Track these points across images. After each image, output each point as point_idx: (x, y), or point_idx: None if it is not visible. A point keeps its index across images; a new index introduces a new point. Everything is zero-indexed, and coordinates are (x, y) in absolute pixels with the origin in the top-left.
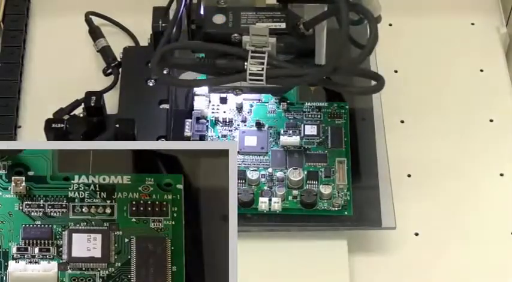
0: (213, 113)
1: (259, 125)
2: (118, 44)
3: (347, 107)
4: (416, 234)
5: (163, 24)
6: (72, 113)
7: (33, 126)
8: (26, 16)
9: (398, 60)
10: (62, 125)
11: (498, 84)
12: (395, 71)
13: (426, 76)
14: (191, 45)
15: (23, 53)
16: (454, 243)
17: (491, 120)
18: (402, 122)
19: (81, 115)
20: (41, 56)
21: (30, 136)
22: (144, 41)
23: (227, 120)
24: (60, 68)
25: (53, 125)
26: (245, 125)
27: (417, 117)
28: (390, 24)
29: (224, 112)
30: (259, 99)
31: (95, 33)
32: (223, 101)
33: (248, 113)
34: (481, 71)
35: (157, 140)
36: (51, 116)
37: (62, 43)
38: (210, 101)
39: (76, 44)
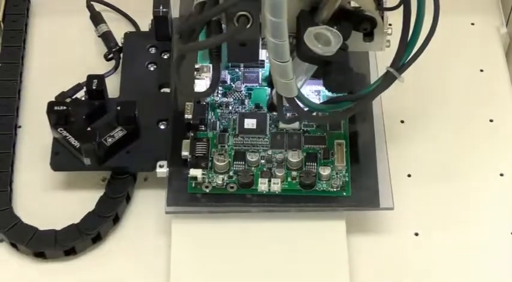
0: (212, 96)
1: (258, 108)
2: (119, 30)
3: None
4: (416, 234)
5: (164, 9)
6: (74, 97)
7: (33, 126)
8: (26, 16)
9: None
10: (65, 108)
11: (498, 84)
12: None
13: (426, 76)
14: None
15: (23, 53)
16: (454, 243)
17: (491, 120)
18: (402, 122)
19: (83, 98)
20: (41, 56)
21: (30, 136)
22: (144, 27)
23: (227, 103)
24: (60, 67)
25: (55, 108)
26: (245, 108)
27: (417, 117)
28: (390, 24)
29: (224, 95)
30: (258, 83)
31: (96, 18)
32: (223, 83)
33: (247, 96)
34: (481, 71)
35: (157, 123)
36: None
37: (62, 41)
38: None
39: (76, 40)
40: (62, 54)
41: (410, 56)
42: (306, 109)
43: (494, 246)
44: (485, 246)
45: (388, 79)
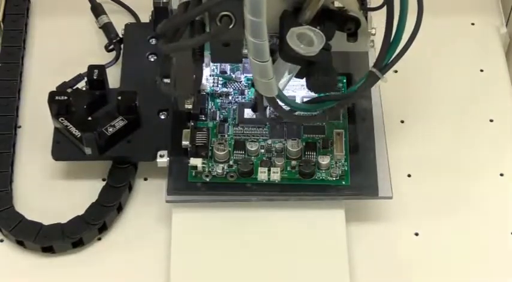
0: (212, 86)
1: None
2: (119, 21)
3: (345, 80)
4: (416, 234)
5: (164, 1)
6: (75, 87)
7: (33, 126)
8: (26, 16)
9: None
10: (66, 97)
11: (498, 84)
12: (395, 71)
13: (426, 76)
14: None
15: (23, 53)
16: (454, 243)
17: (491, 120)
18: (402, 122)
19: (84, 89)
20: (41, 56)
21: (30, 136)
22: (145, 18)
23: (226, 93)
24: (61, 66)
25: (57, 97)
26: (244, 98)
27: (417, 117)
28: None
29: (223, 85)
30: None
31: (97, 10)
32: (223, 74)
33: (247, 86)
34: (481, 71)
35: (158, 113)
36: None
37: (62, 40)
38: (210, 74)
39: (76, 36)
40: (62, 53)
41: (393, 56)
42: (287, 109)
43: (494, 246)
44: (485, 246)
45: (371, 79)
